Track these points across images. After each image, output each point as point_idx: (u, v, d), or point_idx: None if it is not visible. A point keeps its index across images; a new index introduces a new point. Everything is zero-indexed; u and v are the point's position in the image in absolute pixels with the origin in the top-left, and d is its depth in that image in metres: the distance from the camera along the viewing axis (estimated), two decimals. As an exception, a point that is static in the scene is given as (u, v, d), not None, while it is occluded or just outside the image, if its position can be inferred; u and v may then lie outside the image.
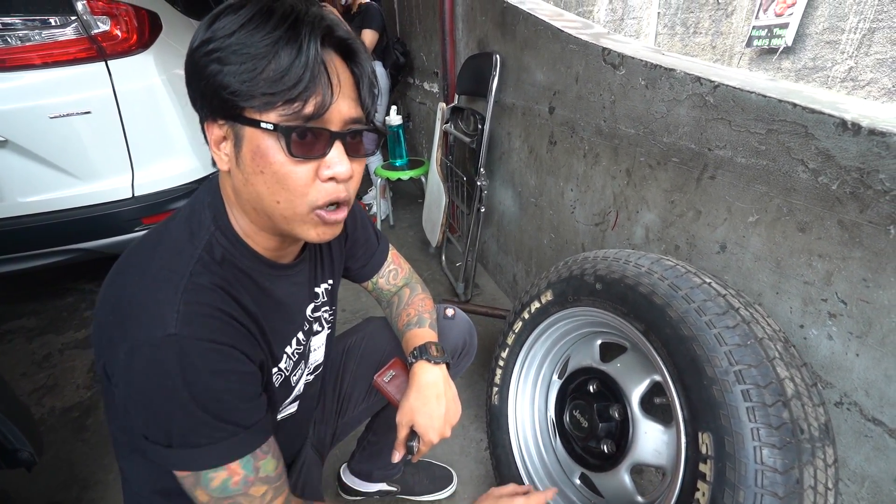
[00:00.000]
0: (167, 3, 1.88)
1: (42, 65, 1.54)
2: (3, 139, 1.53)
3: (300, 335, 0.70)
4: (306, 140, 0.49)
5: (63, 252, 1.78)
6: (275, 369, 0.65)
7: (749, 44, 4.68)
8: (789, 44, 4.36)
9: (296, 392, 0.74)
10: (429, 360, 0.79)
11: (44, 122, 1.56)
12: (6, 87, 1.51)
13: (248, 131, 0.49)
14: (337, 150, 0.51)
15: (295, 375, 0.71)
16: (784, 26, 4.38)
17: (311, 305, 0.74)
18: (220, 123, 0.51)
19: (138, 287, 0.51)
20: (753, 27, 4.62)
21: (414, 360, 0.80)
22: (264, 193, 0.52)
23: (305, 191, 0.52)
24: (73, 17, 1.55)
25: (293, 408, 0.77)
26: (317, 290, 0.75)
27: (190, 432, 0.51)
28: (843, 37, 4.03)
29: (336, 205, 0.55)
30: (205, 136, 0.54)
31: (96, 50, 1.57)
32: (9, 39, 1.50)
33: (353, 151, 0.54)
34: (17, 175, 1.61)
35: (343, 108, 0.51)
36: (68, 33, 1.56)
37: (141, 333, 0.48)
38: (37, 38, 1.53)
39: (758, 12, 4.59)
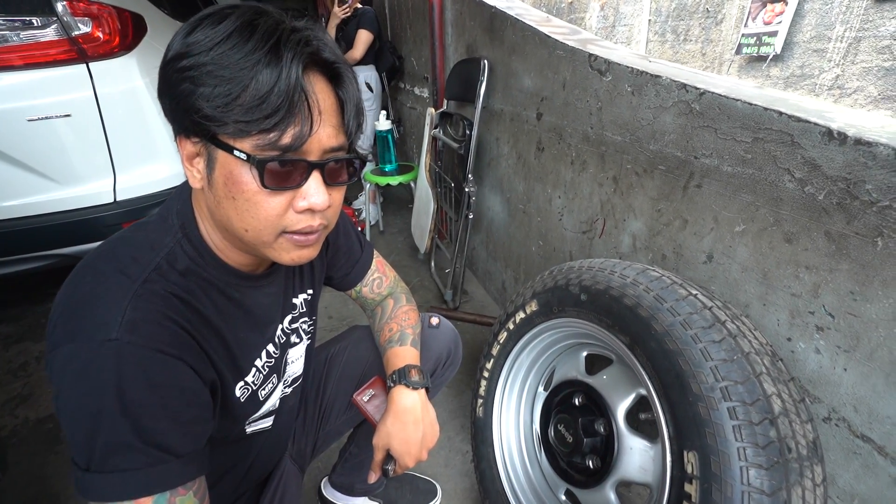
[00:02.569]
0: (153, 5, 1.85)
1: (20, 66, 1.50)
2: (-22, 142, 1.49)
3: (270, 347, 0.67)
4: (282, 170, 0.47)
5: (43, 258, 1.74)
6: (241, 383, 0.62)
7: (738, 51, 4.73)
8: (778, 52, 4.40)
9: (268, 407, 0.71)
10: (407, 385, 0.77)
11: (22, 124, 1.52)
12: (-19, 90, 1.48)
13: (222, 155, 0.47)
14: (315, 181, 0.49)
15: (264, 389, 0.68)
16: (773, 34, 4.43)
17: (289, 317, 0.71)
18: (193, 140, 0.48)
19: (88, 289, 0.48)
20: (742, 35, 4.67)
21: (392, 385, 0.78)
22: (234, 219, 0.50)
23: (277, 221, 0.50)
24: (53, 18, 1.51)
25: (267, 422, 0.74)
26: (294, 300, 0.72)
27: (112, 453, 0.45)
28: (830, 45, 4.08)
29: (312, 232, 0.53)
30: (178, 149, 0.51)
31: (77, 52, 1.54)
32: (-15, 40, 1.47)
33: (332, 179, 0.52)
34: (-7, 179, 1.57)
35: (323, 138, 0.49)
36: (48, 34, 1.52)
37: (81, 336, 0.45)
38: (15, 39, 1.49)
39: (747, 20, 4.64)
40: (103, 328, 0.45)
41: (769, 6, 4.45)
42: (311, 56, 0.46)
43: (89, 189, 1.67)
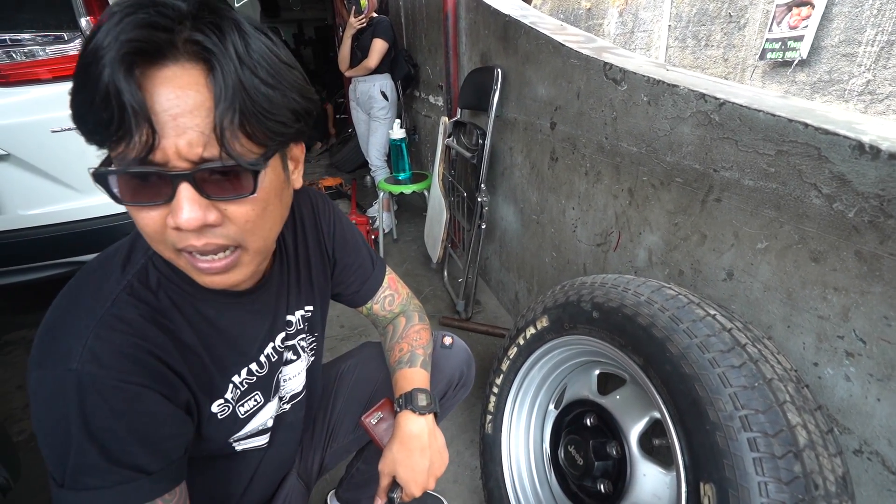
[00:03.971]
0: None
1: (45, 80, 1.55)
2: (4, 153, 1.54)
3: (254, 366, 0.65)
4: (143, 184, 0.41)
5: (63, 265, 1.78)
6: (219, 401, 0.61)
7: (762, 57, 4.61)
8: (804, 56, 4.28)
9: (257, 424, 0.69)
10: (414, 411, 0.74)
11: (46, 135, 1.57)
12: (9, 102, 1.53)
13: None
14: (184, 194, 0.41)
15: (243, 406, 0.66)
16: (799, 39, 4.31)
17: (281, 335, 0.69)
18: None
19: (61, 313, 0.48)
20: (767, 40, 4.55)
21: (399, 409, 0.75)
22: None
23: (160, 237, 0.45)
24: (77, 33, 1.56)
25: (262, 440, 0.72)
26: (289, 318, 0.70)
27: (83, 473, 0.46)
28: (861, 49, 3.94)
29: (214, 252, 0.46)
30: None
31: (99, 65, 1.58)
32: (14, 55, 1.52)
33: (218, 193, 0.43)
34: (17, 188, 1.61)
35: (182, 146, 0.40)
36: (72, 49, 1.57)
37: (49, 364, 0.46)
38: (42, 53, 1.54)
39: (771, 25, 4.53)
40: (65, 358, 0.45)
41: (795, 10, 4.34)
42: (151, 41, 0.37)
43: (107, 198, 1.71)
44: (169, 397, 0.51)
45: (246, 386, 0.65)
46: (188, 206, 0.41)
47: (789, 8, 4.42)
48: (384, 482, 0.73)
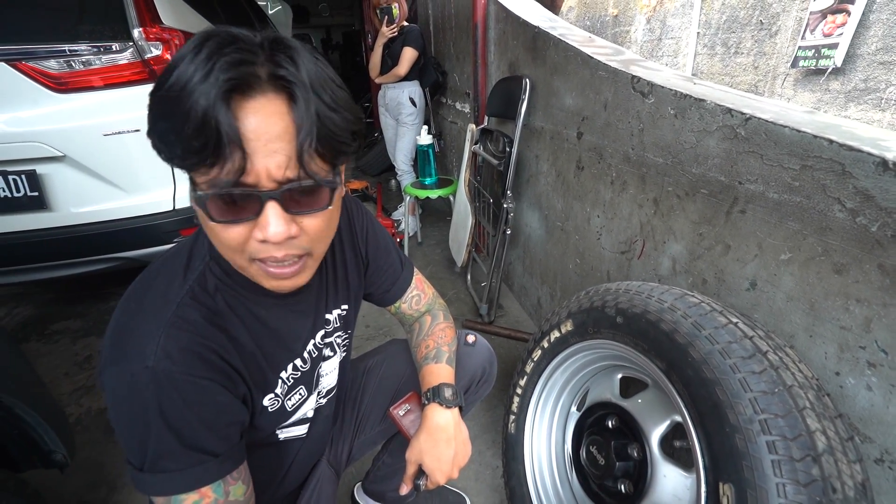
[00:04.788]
0: (214, 27, 2.00)
1: (99, 87, 1.66)
2: (61, 154, 1.65)
3: (298, 361, 0.71)
4: (232, 204, 0.46)
5: (108, 260, 1.88)
6: (270, 395, 0.67)
7: (794, 64, 4.52)
8: (838, 64, 4.18)
9: (299, 415, 0.75)
10: (441, 404, 0.79)
11: (98, 139, 1.68)
12: (67, 108, 1.64)
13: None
14: (271, 211, 0.46)
15: (290, 400, 0.72)
16: (833, 46, 4.21)
17: (321, 332, 0.75)
18: None
19: (131, 316, 0.54)
20: (799, 47, 4.46)
21: (427, 402, 0.80)
22: (214, 244, 0.52)
23: (240, 248, 0.49)
24: (129, 43, 1.67)
25: (302, 429, 0.78)
26: (328, 316, 0.76)
27: (161, 458, 0.52)
28: (899, 57, 3.83)
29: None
30: None
31: (148, 73, 1.68)
32: (72, 64, 1.63)
33: (298, 208, 0.49)
34: (71, 187, 1.72)
35: (272, 168, 0.44)
36: (125, 58, 1.68)
37: (125, 362, 0.51)
38: (97, 62, 1.65)
39: (804, 32, 4.44)
40: (140, 356, 0.51)
41: (830, 17, 4.25)
42: (244, 78, 0.42)
43: (152, 198, 1.81)
44: (229, 389, 0.58)
45: (292, 381, 0.71)
46: (276, 221, 0.47)
47: (824, 15, 4.33)
48: (410, 470, 0.78)
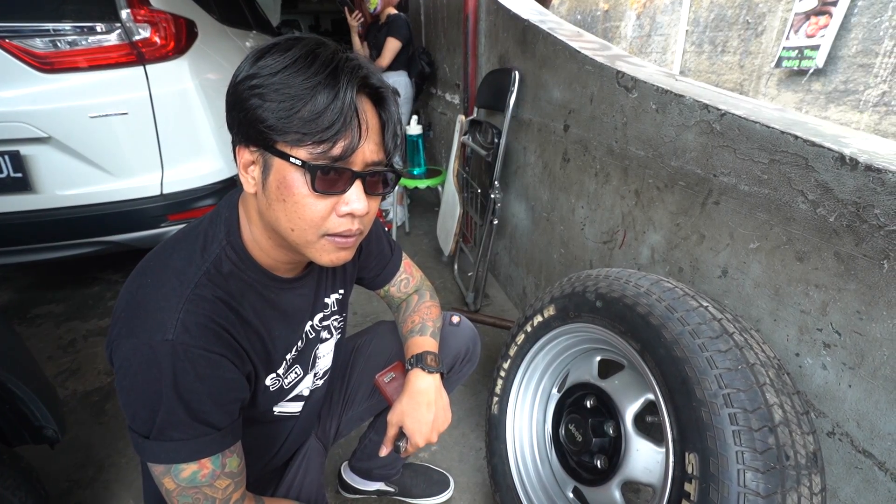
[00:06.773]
0: (204, 12, 1.98)
1: (86, 68, 1.64)
2: (46, 136, 1.63)
3: (299, 343, 0.75)
4: (329, 177, 0.53)
5: (94, 243, 1.86)
6: (273, 375, 0.70)
7: (778, 64, 4.61)
8: (820, 66, 4.28)
9: (295, 394, 0.79)
10: (423, 369, 0.83)
11: (84, 121, 1.66)
12: (52, 88, 1.61)
13: (278, 162, 0.53)
14: (357, 189, 0.56)
15: (287, 378, 0.75)
16: (815, 48, 4.31)
17: (320, 315, 0.78)
18: (251, 149, 0.55)
19: (150, 291, 0.57)
20: (783, 48, 4.55)
21: (410, 367, 0.84)
22: (282, 220, 0.56)
23: (321, 222, 0.56)
24: (117, 25, 1.65)
25: (296, 407, 0.81)
26: (326, 300, 0.79)
27: (168, 427, 0.55)
28: (878, 60, 3.94)
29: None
30: (235, 158, 0.58)
31: (136, 55, 1.67)
32: (58, 44, 1.61)
33: (371, 189, 0.58)
34: (56, 169, 1.70)
35: (367, 152, 0.55)
36: (112, 39, 1.65)
37: (144, 334, 0.54)
38: (83, 43, 1.63)
39: (788, 33, 4.53)
40: (160, 329, 0.54)
41: (813, 19, 4.34)
42: (362, 81, 0.53)
43: (139, 182, 1.79)
44: (237, 366, 0.61)
45: (291, 361, 0.74)
46: (361, 197, 0.56)
47: (807, 16, 4.42)
48: (391, 432, 0.82)
